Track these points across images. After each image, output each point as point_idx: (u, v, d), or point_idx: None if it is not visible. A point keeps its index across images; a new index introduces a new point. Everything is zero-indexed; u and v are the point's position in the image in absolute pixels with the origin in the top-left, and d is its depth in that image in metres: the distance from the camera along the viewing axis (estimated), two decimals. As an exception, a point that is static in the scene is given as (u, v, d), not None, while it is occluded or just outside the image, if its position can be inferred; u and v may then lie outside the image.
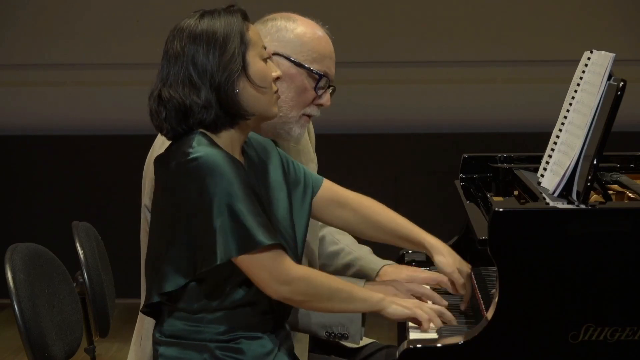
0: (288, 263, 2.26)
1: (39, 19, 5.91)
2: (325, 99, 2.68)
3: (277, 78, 2.37)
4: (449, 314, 2.42)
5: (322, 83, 2.65)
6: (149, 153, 2.64)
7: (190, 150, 2.23)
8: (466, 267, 2.57)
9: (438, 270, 2.57)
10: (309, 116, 2.67)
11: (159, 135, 2.65)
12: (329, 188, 2.54)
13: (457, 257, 2.57)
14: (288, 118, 2.63)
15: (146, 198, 2.64)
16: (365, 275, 2.79)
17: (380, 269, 2.79)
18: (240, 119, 2.32)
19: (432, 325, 2.39)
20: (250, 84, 2.30)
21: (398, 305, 2.37)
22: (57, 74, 5.94)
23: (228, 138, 2.32)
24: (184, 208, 2.24)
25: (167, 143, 2.52)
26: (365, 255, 2.86)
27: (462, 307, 2.57)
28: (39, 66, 5.94)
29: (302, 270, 2.29)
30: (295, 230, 2.42)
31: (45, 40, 5.90)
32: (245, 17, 2.34)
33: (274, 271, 2.23)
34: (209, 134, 2.30)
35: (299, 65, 2.63)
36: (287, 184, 2.45)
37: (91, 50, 5.90)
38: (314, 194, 2.51)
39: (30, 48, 5.92)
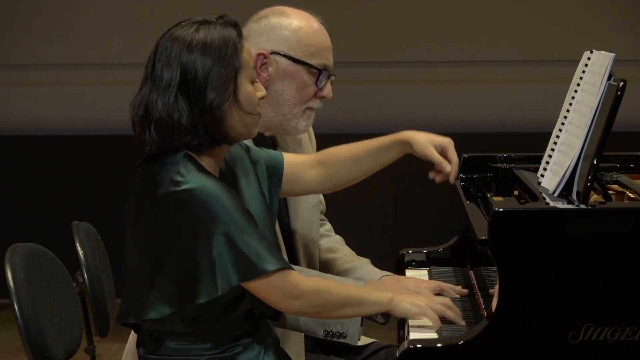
0: (296, 278, 2.25)
1: (39, 19, 5.90)
2: (327, 91, 2.70)
3: (262, 98, 2.32)
4: (455, 308, 2.41)
5: (322, 77, 2.65)
6: None
7: (180, 179, 2.18)
8: (445, 139, 2.52)
9: (420, 155, 2.53)
10: (311, 109, 2.68)
11: None
12: (290, 160, 2.51)
13: (432, 135, 2.52)
14: (292, 115, 2.65)
15: None
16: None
17: (380, 279, 2.78)
18: (224, 143, 2.28)
19: (432, 324, 2.40)
20: (237, 109, 2.24)
21: (408, 304, 2.37)
22: (57, 74, 5.94)
23: (211, 160, 2.28)
24: (176, 239, 2.18)
25: None
26: (364, 266, 2.85)
27: (451, 180, 2.54)
28: (39, 66, 5.94)
29: (311, 283, 2.28)
30: (272, 224, 2.42)
31: (45, 40, 5.90)
32: (240, 34, 2.27)
33: (284, 289, 2.22)
34: (194, 155, 2.24)
35: (297, 62, 2.63)
36: (256, 174, 2.42)
37: (91, 50, 5.90)
38: (281, 173, 2.47)
39: (30, 48, 5.92)
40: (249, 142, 2.49)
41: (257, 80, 2.31)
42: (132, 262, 2.30)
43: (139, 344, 2.37)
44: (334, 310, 2.31)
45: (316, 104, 2.69)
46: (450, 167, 2.50)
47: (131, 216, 2.30)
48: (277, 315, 2.42)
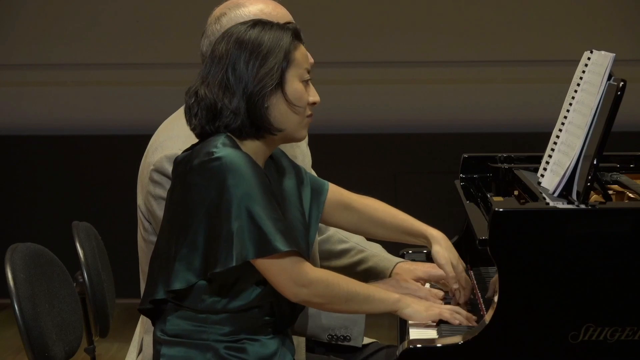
0: (306, 266, 2.28)
1: (39, 18, 5.91)
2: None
3: (314, 103, 2.37)
4: (464, 312, 2.43)
5: None
6: (143, 158, 2.64)
7: (215, 150, 2.25)
8: (461, 264, 2.59)
9: (433, 260, 2.59)
10: None
11: (152, 139, 2.65)
12: (334, 192, 2.57)
13: (455, 253, 2.59)
14: None
15: (140, 201, 2.64)
16: (379, 273, 2.80)
17: (395, 266, 2.80)
18: (266, 133, 2.32)
19: (432, 323, 2.40)
20: (284, 100, 2.30)
21: (413, 309, 2.39)
22: (57, 74, 5.94)
23: (252, 148, 2.32)
24: (202, 207, 2.24)
25: (161, 147, 2.52)
26: (378, 253, 2.88)
27: (461, 301, 2.58)
28: (39, 66, 5.94)
29: (320, 273, 2.31)
30: (309, 235, 2.45)
31: (46, 40, 5.91)
32: (297, 36, 2.35)
33: (293, 274, 2.25)
34: (234, 138, 2.31)
35: None
36: (298, 190, 2.47)
37: (91, 50, 5.90)
38: (323, 200, 2.53)
39: (30, 48, 5.92)
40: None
41: (310, 84, 2.37)
42: (162, 243, 2.33)
43: (156, 326, 2.37)
44: (340, 304, 2.34)
45: None
46: (456, 285, 2.57)
47: (169, 197, 2.35)
48: (292, 319, 2.42)
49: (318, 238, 2.87)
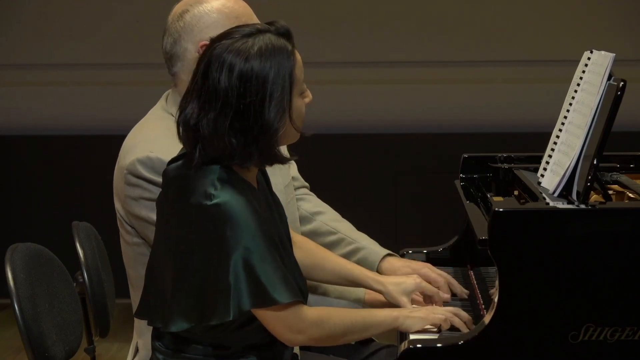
0: (302, 312, 2.23)
1: (39, 18, 5.90)
2: None
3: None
4: (464, 313, 2.41)
5: None
6: (116, 163, 2.64)
7: (213, 192, 2.15)
8: (420, 276, 2.60)
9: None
10: None
11: (123, 144, 2.64)
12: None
13: (402, 285, 2.56)
14: None
15: (118, 205, 2.65)
16: (366, 266, 2.80)
17: (383, 258, 2.78)
18: (275, 163, 2.26)
19: (431, 326, 2.40)
20: (290, 125, 2.21)
21: (413, 319, 2.37)
22: (57, 74, 5.94)
23: (250, 171, 2.27)
24: (199, 251, 2.17)
25: (132, 150, 2.56)
26: (367, 245, 2.86)
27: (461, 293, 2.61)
28: (39, 66, 5.94)
29: (314, 315, 2.26)
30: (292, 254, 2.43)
31: (46, 40, 5.90)
32: (293, 45, 2.22)
33: (288, 323, 2.22)
34: (231, 166, 2.22)
35: None
36: (280, 214, 2.44)
37: (92, 50, 5.90)
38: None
39: (30, 48, 5.92)
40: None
41: (305, 88, 2.27)
42: (159, 258, 2.29)
43: (156, 337, 2.35)
44: (337, 339, 2.31)
45: None
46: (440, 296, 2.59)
47: (162, 211, 2.29)
48: None
49: (304, 229, 2.87)
